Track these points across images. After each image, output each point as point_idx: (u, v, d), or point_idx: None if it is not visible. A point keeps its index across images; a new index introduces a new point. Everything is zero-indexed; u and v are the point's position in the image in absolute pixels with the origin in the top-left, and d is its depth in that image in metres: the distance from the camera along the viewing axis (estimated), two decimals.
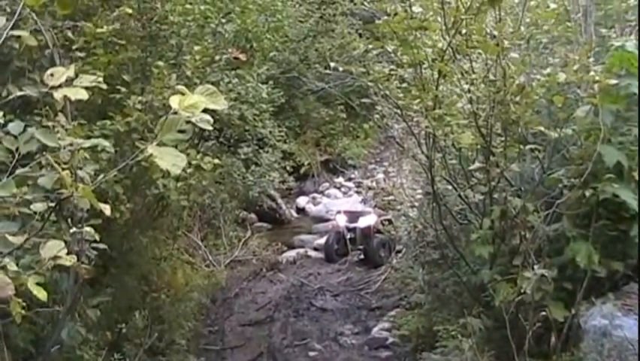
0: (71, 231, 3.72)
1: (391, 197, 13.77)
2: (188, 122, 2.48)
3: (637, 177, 5.77)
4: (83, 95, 2.89)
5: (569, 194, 6.16)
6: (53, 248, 2.94)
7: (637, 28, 6.98)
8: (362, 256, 15.39)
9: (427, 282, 10.13)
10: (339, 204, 19.44)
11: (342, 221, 15.71)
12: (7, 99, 3.62)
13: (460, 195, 7.86)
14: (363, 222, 14.97)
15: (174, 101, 2.43)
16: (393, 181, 15.39)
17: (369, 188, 19.01)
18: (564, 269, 6.21)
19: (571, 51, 7.36)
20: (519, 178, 7.09)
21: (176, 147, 2.59)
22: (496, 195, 7.10)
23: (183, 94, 2.46)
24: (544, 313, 6.04)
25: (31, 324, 6.32)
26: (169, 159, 2.46)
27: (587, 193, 5.94)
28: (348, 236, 15.33)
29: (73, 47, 6.95)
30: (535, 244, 6.42)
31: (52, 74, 2.89)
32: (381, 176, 20.30)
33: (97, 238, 4.58)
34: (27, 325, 6.17)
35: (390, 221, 13.89)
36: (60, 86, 2.93)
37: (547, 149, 6.67)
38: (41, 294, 2.84)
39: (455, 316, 8.07)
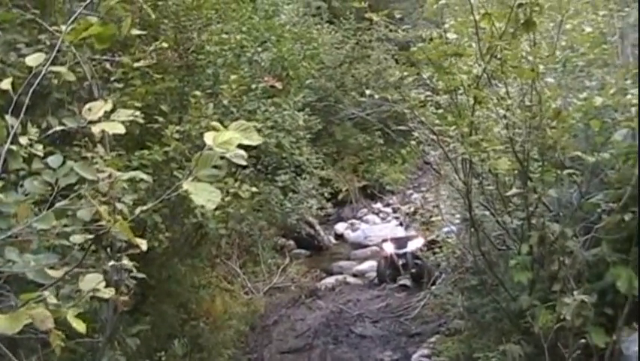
0: (109, 263, 3.76)
1: (430, 222, 13.71)
2: (222, 157, 2.51)
3: None
4: (120, 129, 2.93)
5: (608, 218, 6.11)
6: (92, 281, 2.98)
7: None
8: (408, 283, 15.33)
9: (466, 308, 10.05)
10: (377, 230, 19.42)
11: (389, 248, 15.73)
12: (52, 131, 3.67)
13: (497, 221, 7.81)
14: (412, 246, 14.91)
15: (209, 138, 2.47)
16: (431, 207, 15.31)
17: (408, 214, 18.95)
18: (604, 295, 6.15)
19: (608, 74, 7.33)
20: (557, 203, 7.04)
21: (212, 181, 2.63)
22: (534, 221, 7.04)
23: (217, 130, 2.50)
24: (584, 339, 5.98)
25: (72, 353, 6.38)
26: (204, 195, 2.50)
27: (627, 217, 5.90)
28: (400, 263, 15.32)
29: (112, 79, 7.05)
30: (574, 269, 6.36)
31: (89, 109, 2.94)
32: (418, 203, 20.23)
33: (136, 267, 4.64)
34: (67, 354, 6.23)
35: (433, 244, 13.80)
36: (98, 120, 2.98)
37: (585, 173, 6.62)
38: (80, 326, 2.87)
39: (495, 342, 7.99)
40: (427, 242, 13.88)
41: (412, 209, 19.06)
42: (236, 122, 2.53)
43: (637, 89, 6.23)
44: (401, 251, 15.38)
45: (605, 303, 6.12)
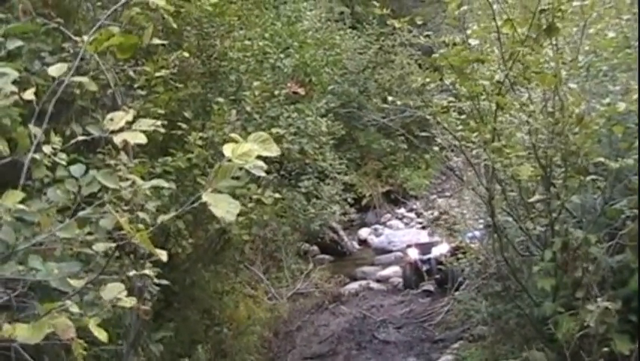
0: (131, 272, 3.79)
1: (454, 228, 13.65)
2: (241, 168, 2.53)
3: None
4: (142, 139, 2.96)
5: (632, 225, 6.07)
6: (113, 290, 3.01)
7: None
8: (431, 288, 15.33)
9: (489, 314, 10.00)
10: (400, 235, 19.39)
11: (414, 254, 15.73)
12: (72, 141, 3.70)
13: (520, 227, 7.77)
14: (437, 252, 14.88)
15: (227, 150, 2.49)
16: (454, 213, 15.27)
17: (431, 220, 18.92)
18: (629, 301, 6.10)
19: (632, 78, 7.28)
20: (580, 209, 6.99)
21: (234, 189, 2.65)
22: (557, 227, 7.01)
23: (236, 142, 2.51)
24: (608, 347, 5.94)
25: (96, 359, 6.42)
26: (223, 206, 2.52)
27: None
28: (424, 268, 15.31)
29: (135, 86, 7.09)
30: (598, 275, 6.32)
31: (111, 119, 2.97)
32: (442, 208, 20.17)
33: (159, 273, 4.66)
34: (92, 360, 6.27)
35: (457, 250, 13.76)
36: (120, 129, 3.01)
37: (608, 179, 6.58)
38: (102, 335, 2.90)
39: (518, 349, 7.95)
40: (452, 248, 13.83)
41: (436, 214, 19.04)
42: (255, 134, 2.54)
43: None
44: (425, 257, 15.36)
45: (630, 310, 6.07)
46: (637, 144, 6.27)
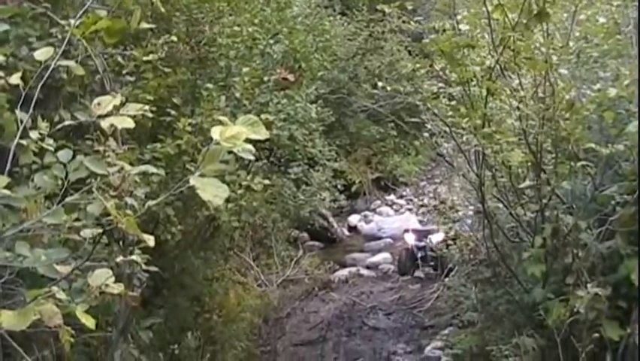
0: (118, 258, 3.76)
1: (445, 214, 13.67)
2: (230, 152, 2.50)
3: None
4: (130, 123, 2.93)
5: (622, 211, 6.07)
6: (101, 276, 2.98)
7: None
8: (421, 275, 15.39)
9: (479, 300, 10.03)
10: (390, 222, 19.40)
11: (410, 240, 15.78)
12: (60, 126, 3.67)
13: (511, 213, 7.78)
14: (434, 240, 14.90)
15: (215, 133, 2.46)
16: (444, 199, 15.30)
17: (422, 206, 18.97)
18: (618, 287, 6.10)
19: (622, 65, 7.27)
20: (571, 195, 6.99)
21: (223, 175, 2.62)
22: (547, 213, 7.01)
23: (225, 125, 2.48)
24: (598, 332, 5.94)
25: (86, 346, 6.40)
26: (211, 190, 2.49)
27: None
28: (419, 255, 15.36)
29: (124, 72, 7.04)
30: (588, 262, 6.33)
31: (99, 103, 2.94)
32: (432, 195, 20.18)
33: (149, 260, 4.63)
34: (81, 347, 6.25)
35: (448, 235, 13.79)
36: (107, 114, 2.97)
37: (599, 165, 6.57)
38: (89, 322, 2.87)
39: (508, 335, 7.96)
40: (448, 236, 13.86)
41: (426, 201, 19.08)
42: (244, 117, 2.51)
43: None
44: (421, 244, 15.41)
45: (620, 296, 6.07)
46: (627, 129, 6.26)
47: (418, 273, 15.44)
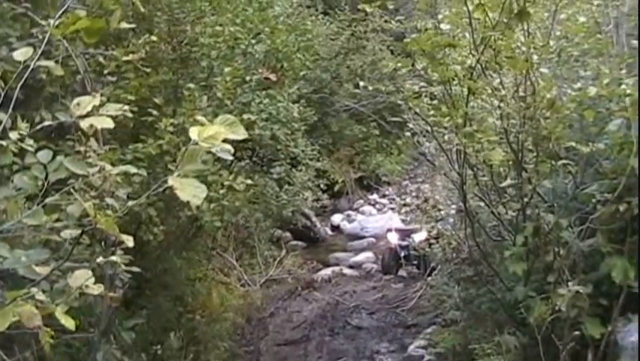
0: (98, 259, 3.74)
1: (428, 213, 13.70)
2: (209, 152, 2.49)
3: None
4: (109, 124, 2.91)
5: (603, 209, 6.10)
6: (81, 277, 2.96)
7: None
8: (404, 274, 15.43)
9: (462, 299, 10.05)
10: (373, 221, 19.45)
11: (394, 239, 15.80)
12: (41, 126, 3.65)
13: (492, 212, 7.80)
14: (417, 239, 14.91)
15: (194, 133, 2.46)
16: (426, 197, 15.35)
17: (404, 205, 19.01)
18: (599, 285, 6.14)
19: (602, 64, 7.31)
20: (552, 194, 7.02)
21: (205, 175, 2.61)
22: (529, 212, 7.04)
23: (203, 125, 2.48)
24: (579, 330, 5.97)
25: (68, 347, 6.37)
26: (189, 190, 2.48)
27: (621, 208, 5.89)
28: (402, 254, 15.39)
29: (105, 72, 7.02)
30: (569, 260, 6.36)
31: (78, 104, 2.92)
32: (414, 194, 20.21)
33: (131, 261, 4.62)
34: (63, 348, 6.22)
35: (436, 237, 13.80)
36: (87, 114, 2.96)
37: (579, 164, 6.60)
38: (69, 323, 2.85)
39: (491, 333, 8.00)
40: (430, 235, 13.87)
41: (408, 200, 19.12)
42: (222, 117, 2.51)
43: (631, 79, 6.22)
44: (404, 243, 15.43)
45: (601, 294, 6.11)
46: (607, 128, 6.30)
47: (401, 272, 15.48)
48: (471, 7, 6.76)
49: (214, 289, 12.01)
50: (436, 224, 12.24)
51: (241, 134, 2.54)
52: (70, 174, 3.47)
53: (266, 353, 12.14)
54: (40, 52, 3.36)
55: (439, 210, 12.72)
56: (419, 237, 14.73)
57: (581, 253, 6.34)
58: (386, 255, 16.32)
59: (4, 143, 3.48)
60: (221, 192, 7.94)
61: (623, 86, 6.19)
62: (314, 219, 19.08)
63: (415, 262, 15.12)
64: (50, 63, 3.53)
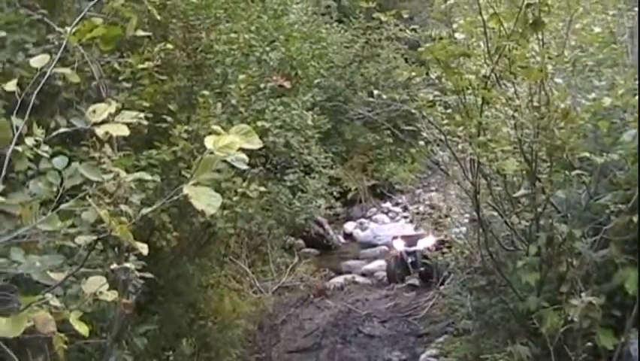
0: (112, 266, 3.75)
1: (440, 222, 13.68)
2: (224, 161, 2.51)
3: None
4: (125, 131, 2.94)
5: (617, 220, 6.08)
6: (95, 283, 2.98)
7: None
8: (416, 282, 15.36)
9: (474, 308, 10.02)
10: (386, 230, 19.39)
11: (399, 246, 15.74)
12: (56, 133, 3.67)
13: (505, 222, 7.78)
14: (422, 245, 14.86)
15: (209, 142, 2.48)
16: (440, 206, 15.30)
17: (417, 213, 18.97)
18: (612, 296, 6.12)
19: (617, 74, 7.30)
20: (565, 204, 7.00)
21: (220, 182, 2.63)
22: (542, 222, 7.02)
23: (218, 134, 2.50)
24: (592, 341, 5.95)
25: (80, 352, 6.39)
26: (204, 199, 2.50)
27: (635, 219, 5.87)
28: (409, 260, 15.32)
29: (120, 78, 7.05)
30: (582, 270, 6.33)
31: (94, 111, 2.94)
32: (428, 202, 20.15)
33: (144, 267, 4.63)
34: (75, 353, 6.24)
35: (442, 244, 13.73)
36: (102, 121, 2.98)
37: (593, 174, 6.59)
38: (83, 329, 2.87)
39: (503, 343, 7.98)
40: (437, 242, 13.81)
41: (421, 208, 19.07)
42: (237, 126, 2.52)
43: None
44: (411, 249, 15.36)
45: (614, 305, 6.09)
46: (621, 138, 6.28)
47: (412, 280, 15.38)
48: (486, 17, 6.77)
49: (226, 296, 12.03)
50: (449, 233, 12.21)
51: (256, 143, 2.56)
52: (85, 180, 3.49)
53: (277, 360, 12.13)
54: (56, 58, 3.38)
55: (452, 218, 12.68)
56: (425, 243, 14.68)
57: (594, 264, 6.32)
58: (392, 263, 16.13)
59: (19, 149, 3.51)
60: (235, 199, 7.96)
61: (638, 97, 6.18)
62: (327, 226, 19.04)
63: (422, 269, 15.03)
64: (67, 70, 3.56)
